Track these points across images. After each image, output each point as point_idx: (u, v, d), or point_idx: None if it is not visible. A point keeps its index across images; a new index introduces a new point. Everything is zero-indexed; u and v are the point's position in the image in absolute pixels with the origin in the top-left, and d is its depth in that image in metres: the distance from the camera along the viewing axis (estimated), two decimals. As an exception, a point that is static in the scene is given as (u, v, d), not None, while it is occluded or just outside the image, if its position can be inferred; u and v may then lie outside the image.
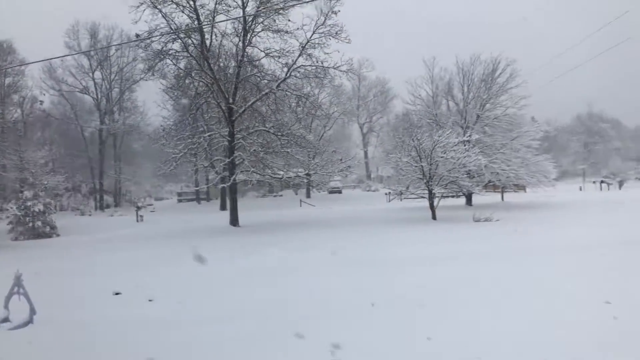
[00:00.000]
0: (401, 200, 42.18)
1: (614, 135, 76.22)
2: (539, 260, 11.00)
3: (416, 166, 23.15)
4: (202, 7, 22.89)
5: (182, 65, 24.71)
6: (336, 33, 23.03)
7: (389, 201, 43.31)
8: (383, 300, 7.64)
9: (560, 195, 38.12)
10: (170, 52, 23.15)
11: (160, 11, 21.79)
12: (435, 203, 24.26)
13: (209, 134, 24.64)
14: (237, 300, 8.48)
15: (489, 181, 30.04)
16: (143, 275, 11.59)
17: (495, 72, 31.45)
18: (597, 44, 31.61)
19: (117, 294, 9.34)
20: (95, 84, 49.62)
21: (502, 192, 39.39)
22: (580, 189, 48.73)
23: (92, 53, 47.20)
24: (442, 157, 22.65)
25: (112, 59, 49.88)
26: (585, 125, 76.97)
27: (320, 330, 6.27)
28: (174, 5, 22.08)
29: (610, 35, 30.39)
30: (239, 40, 24.11)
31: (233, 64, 25.18)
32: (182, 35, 22.67)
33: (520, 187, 39.32)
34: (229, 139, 23.83)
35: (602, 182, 52.27)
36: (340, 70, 23.96)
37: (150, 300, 8.64)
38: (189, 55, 23.54)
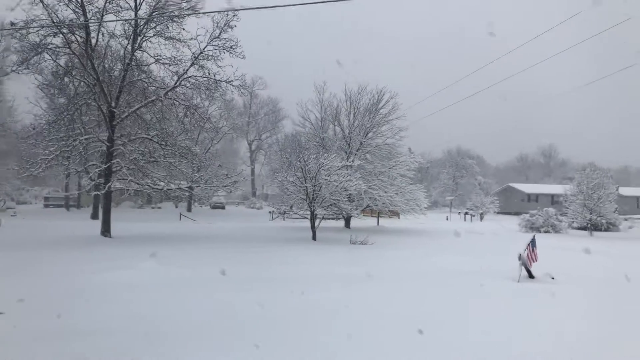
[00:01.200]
0: (284, 219, 42.91)
1: (478, 170, 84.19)
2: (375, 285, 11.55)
3: (301, 187, 23.67)
4: (91, 4, 21.63)
5: (62, 62, 23.08)
6: (231, 47, 23.03)
7: (272, 219, 43.64)
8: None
9: (429, 223, 41.11)
10: (49, 47, 21.52)
11: (42, 1, 20.21)
12: (316, 224, 24.93)
13: (86, 137, 23.16)
14: (101, 316, 8.13)
15: (367, 206, 31.58)
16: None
17: (380, 103, 33.30)
18: (466, 89, 34.93)
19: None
20: (-46, 70, 44.27)
21: (378, 217, 41.58)
22: (447, 219, 52.87)
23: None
24: (326, 179, 23.42)
25: (-22, 45, 44.96)
26: (454, 159, 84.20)
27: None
28: (58, -3, 20.67)
29: (481, 80, 33.91)
30: (128, 43, 23.12)
31: (119, 67, 24.05)
32: (65, 30, 21.22)
33: (394, 213, 41.82)
34: (108, 144, 22.60)
35: (466, 213, 57.25)
36: (233, 85, 23.91)
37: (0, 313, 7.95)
38: (71, 52, 22.05)
